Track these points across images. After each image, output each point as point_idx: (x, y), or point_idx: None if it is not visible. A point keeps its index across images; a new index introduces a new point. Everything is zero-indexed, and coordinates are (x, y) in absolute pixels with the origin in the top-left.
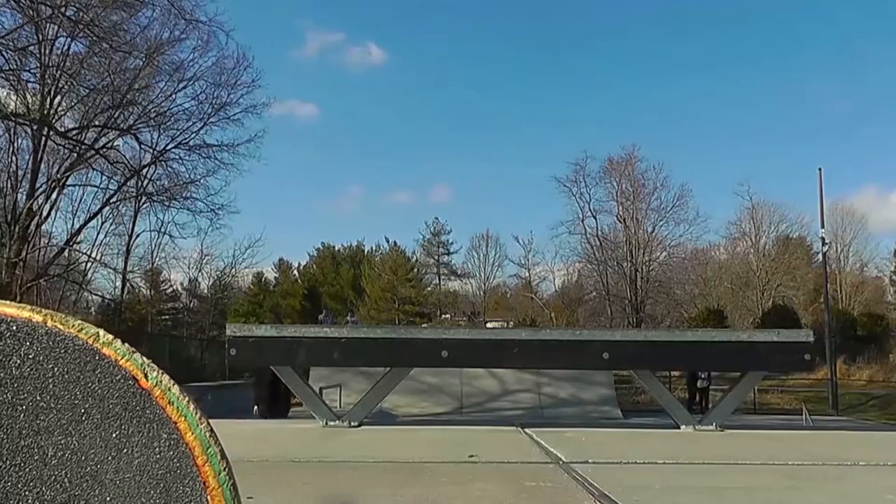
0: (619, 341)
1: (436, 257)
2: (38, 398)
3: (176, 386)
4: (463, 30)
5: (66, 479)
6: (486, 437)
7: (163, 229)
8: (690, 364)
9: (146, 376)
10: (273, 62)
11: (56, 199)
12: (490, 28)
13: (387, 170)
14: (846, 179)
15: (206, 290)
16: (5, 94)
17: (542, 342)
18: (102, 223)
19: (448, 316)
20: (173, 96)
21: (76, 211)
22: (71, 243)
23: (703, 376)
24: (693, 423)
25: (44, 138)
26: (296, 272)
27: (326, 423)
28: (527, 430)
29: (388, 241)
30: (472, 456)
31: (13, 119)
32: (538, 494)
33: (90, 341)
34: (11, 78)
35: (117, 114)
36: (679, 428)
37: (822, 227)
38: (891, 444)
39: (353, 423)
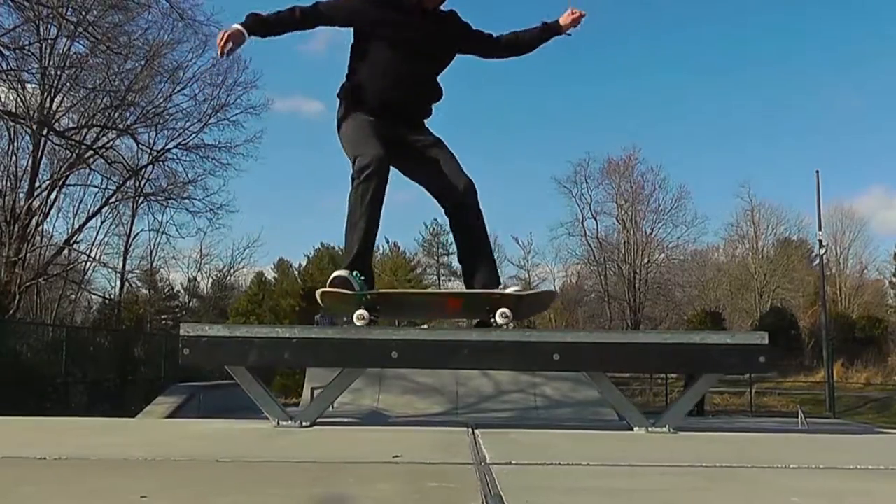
0: (570, 342)
1: (436, 258)
2: None
3: None
4: None
5: None
6: (428, 438)
7: (161, 229)
8: (643, 366)
9: None
10: (279, 57)
11: (55, 199)
12: (493, 28)
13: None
14: (852, 180)
15: (205, 290)
16: (5, 94)
17: (491, 343)
18: (102, 223)
19: None
20: (171, 97)
21: (77, 211)
22: (70, 243)
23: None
24: (646, 425)
25: (43, 138)
26: (296, 272)
27: (279, 423)
28: (477, 430)
29: (387, 242)
30: (396, 457)
31: (13, 119)
32: (432, 495)
33: None
34: (11, 78)
35: (116, 114)
36: (632, 430)
37: (820, 229)
38: (853, 447)
39: (304, 424)
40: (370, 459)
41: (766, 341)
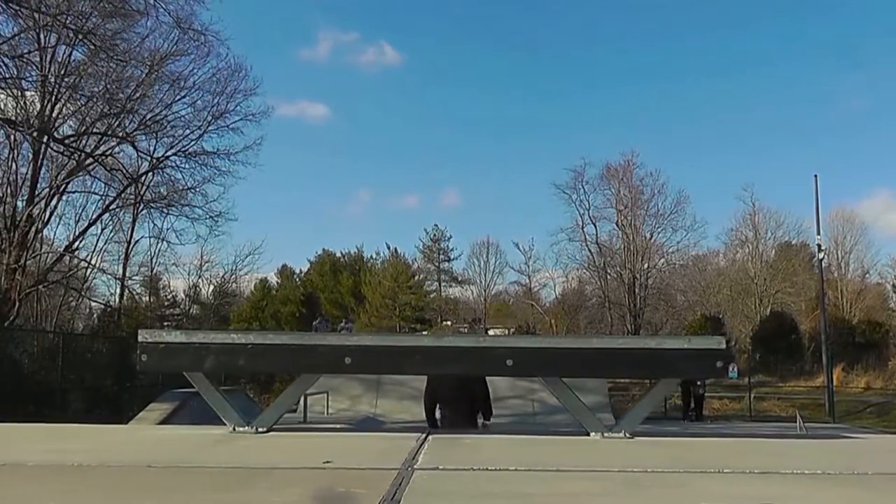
0: (524, 348)
1: (436, 264)
2: None
3: None
4: (470, 33)
5: None
6: (374, 444)
7: (161, 236)
8: (599, 371)
9: None
10: (283, 62)
11: (55, 206)
12: (495, 32)
13: (396, 173)
14: (857, 183)
15: (207, 297)
16: (4, 101)
17: (443, 349)
18: (102, 230)
19: (449, 323)
20: (171, 105)
21: (78, 218)
22: (70, 250)
23: (698, 383)
24: (602, 430)
25: (43, 145)
26: (297, 278)
27: (234, 429)
28: (431, 436)
29: (388, 248)
30: (327, 462)
31: (12, 126)
32: (333, 500)
33: None
34: (11, 86)
35: (116, 122)
36: (588, 435)
37: (818, 233)
38: (803, 452)
39: (260, 430)
40: (300, 465)
41: (724, 346)
